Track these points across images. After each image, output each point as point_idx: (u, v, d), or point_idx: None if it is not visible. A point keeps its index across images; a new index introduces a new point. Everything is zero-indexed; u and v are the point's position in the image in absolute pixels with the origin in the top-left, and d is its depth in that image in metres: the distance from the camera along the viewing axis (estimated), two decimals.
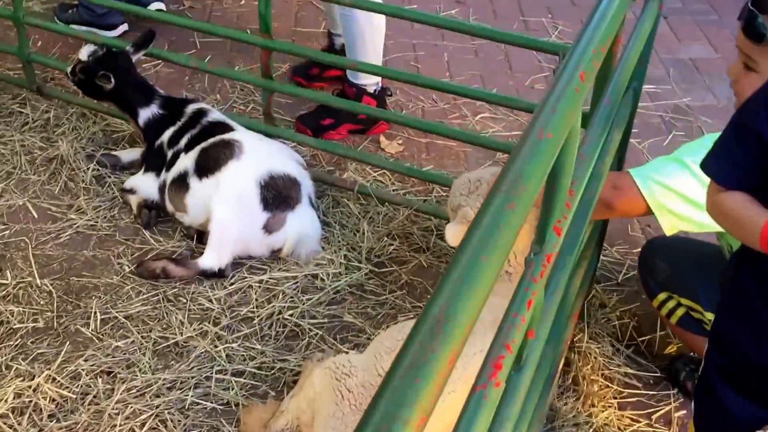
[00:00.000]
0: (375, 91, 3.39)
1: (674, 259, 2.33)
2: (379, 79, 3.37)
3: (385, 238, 2.88)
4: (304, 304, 2.63)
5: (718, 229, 1.72)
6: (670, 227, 2.00)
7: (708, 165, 1.49)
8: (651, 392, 2.45)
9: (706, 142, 1.91)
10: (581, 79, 1.27)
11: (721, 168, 1.47)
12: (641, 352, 2.58)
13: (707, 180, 1.51)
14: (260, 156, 2.80)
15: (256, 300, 2.65)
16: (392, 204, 3.01)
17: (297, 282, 2.72)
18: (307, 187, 2.83)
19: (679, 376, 2.44)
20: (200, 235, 2.84)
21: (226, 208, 2.71)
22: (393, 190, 3.11)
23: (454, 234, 2.17)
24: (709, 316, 2.20)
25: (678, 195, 1.94)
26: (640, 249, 2.55)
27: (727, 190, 1.46)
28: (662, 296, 2.32)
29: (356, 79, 3.37)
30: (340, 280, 2.73)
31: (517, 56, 4.02)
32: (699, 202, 1.90)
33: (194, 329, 2.53)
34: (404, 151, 3.38)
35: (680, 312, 2.29)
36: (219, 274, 2.71)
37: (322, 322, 2.60)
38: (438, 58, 4.03)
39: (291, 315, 2.59)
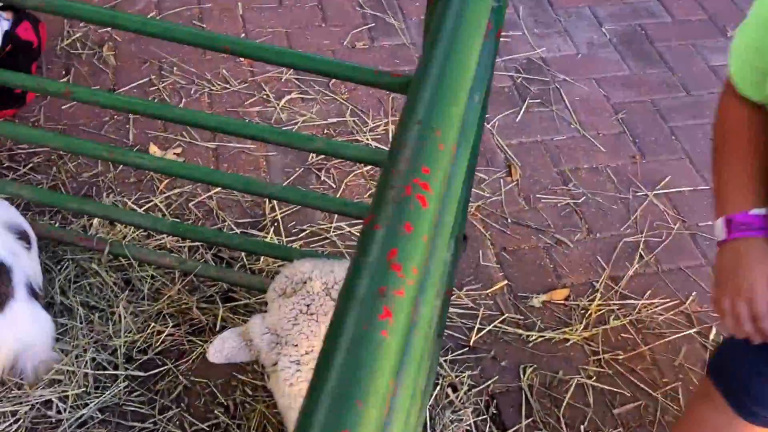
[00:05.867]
0: None
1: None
2: None
3: (153, 323, 2.06)
4: None
5: None
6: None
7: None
8: None
9: None
10: None
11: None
12: None
13: None
14: None
15: None
16: (162, 267, 2.15)
17: (19, 420, 1.87)
18: (24, 269, 1.92)
19: None
20: None
21: None
22: (159, 247, 2.24)
23: (223, 346, 1.56)
24: None
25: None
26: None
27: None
28: None
29: None
30: (86, 405, 1.91)
31: (332, 2, 3.14)
32: None
33: None
34: (185, 162, 2.51)
35: None
36: None
37: None
38: (229, 11, 3.08)
39: None
